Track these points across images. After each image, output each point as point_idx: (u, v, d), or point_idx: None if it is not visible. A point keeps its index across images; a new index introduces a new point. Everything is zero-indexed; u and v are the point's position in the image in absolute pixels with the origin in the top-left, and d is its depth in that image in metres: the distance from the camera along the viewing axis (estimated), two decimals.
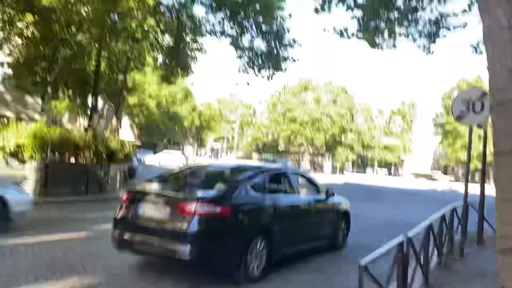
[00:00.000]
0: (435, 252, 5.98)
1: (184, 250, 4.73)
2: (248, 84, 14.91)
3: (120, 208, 5.43)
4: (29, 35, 18.91)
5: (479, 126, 7.54)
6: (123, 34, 11.01)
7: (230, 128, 70.86)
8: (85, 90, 19.28)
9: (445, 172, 78.74)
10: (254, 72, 14.17)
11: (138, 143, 59.25)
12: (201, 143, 73.40)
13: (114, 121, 15.50)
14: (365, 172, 73.36)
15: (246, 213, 5.32)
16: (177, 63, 16.00)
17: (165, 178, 6.30)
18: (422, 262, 5.16)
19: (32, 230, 7.03)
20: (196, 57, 16.85)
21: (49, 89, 21.56)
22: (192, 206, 4.79)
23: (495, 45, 4.27)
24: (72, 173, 11.76)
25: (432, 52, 12.57)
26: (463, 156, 59.37)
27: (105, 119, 14.45)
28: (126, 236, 5.22)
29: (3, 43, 20.84)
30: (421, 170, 79.69)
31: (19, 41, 20.39)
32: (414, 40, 12.56)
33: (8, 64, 22.94)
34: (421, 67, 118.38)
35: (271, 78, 14.11)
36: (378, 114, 73.12)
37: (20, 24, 17.84)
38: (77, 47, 16.75)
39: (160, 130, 56.13)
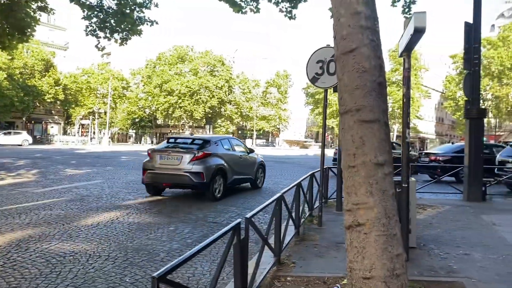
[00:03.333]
0: (290, 222, 5.51)
1: None
2: (99, 49, 12.91)
3: None
4: None
5: (335, 89, 7.22)
6: None
7: (101, 102, 65.57)
8: None
9: (316, 139, 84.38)
10: (106, 35, 12.38)
11: None
12: (68, 120, 66.88)
13: None
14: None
15: None
16: (11, 24, 13.31)
17: None
18: (274, 236, 4.58)
19: None
20: (37, 18, 14.25)
21: None
22: None
23: None
24: None
25: (295, 16, 12.28)
26: (331, 123, 63.87)
27: None
28: None
29: None
30: (295, 138, 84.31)
31: None
32: (277, 3, 12.11)
33: None
34: (295, 35, 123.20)
35: (126, 43, 12.48)
36: (255, 85, 74.39)
37: None
38: None
39: (15, 107, 49.21)
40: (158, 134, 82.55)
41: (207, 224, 7.24)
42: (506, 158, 13.45)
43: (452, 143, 22.06)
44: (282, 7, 12.01)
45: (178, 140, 10.65)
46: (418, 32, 3.93)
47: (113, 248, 5.52)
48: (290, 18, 12.28)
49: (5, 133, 43.04)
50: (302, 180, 6.39)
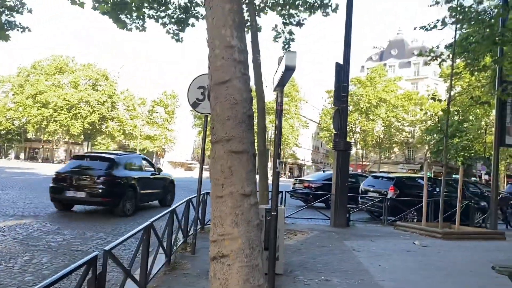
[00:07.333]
0: (161, 251, 5.30)
1: None
2: None
3: None
4: None
5: None
6: None
7: None
8: None
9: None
10: None
11: None
12: None
13: None
14: None
15: None
16: None
17: None
18: (140, 266, 4.33)
19: None
20: None
21: None
22: None
23: (215, 14, 3.73)
24: None
25: (182, 39, 12.25)
26: None
27: None
28: None
29: None
30: (181, 159, 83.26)
31: None
32: (164, 25, 11.96)
33: None
34: (184, 56, 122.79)
35: None
36: (141, 103, 72.04)
37: None
38: None
39: None
40: (27, 149, 74.83)
41: (70, 252, 6.60)
42: (368, 187, 14.93)
43: (324, 171, 23.88)
44: (169, 28, 11.92)
45: None
46: (289, 70, 4.17)
47: None
48: (177, 40, 12.21)
49: None
50: (177, 206, 6.25)
